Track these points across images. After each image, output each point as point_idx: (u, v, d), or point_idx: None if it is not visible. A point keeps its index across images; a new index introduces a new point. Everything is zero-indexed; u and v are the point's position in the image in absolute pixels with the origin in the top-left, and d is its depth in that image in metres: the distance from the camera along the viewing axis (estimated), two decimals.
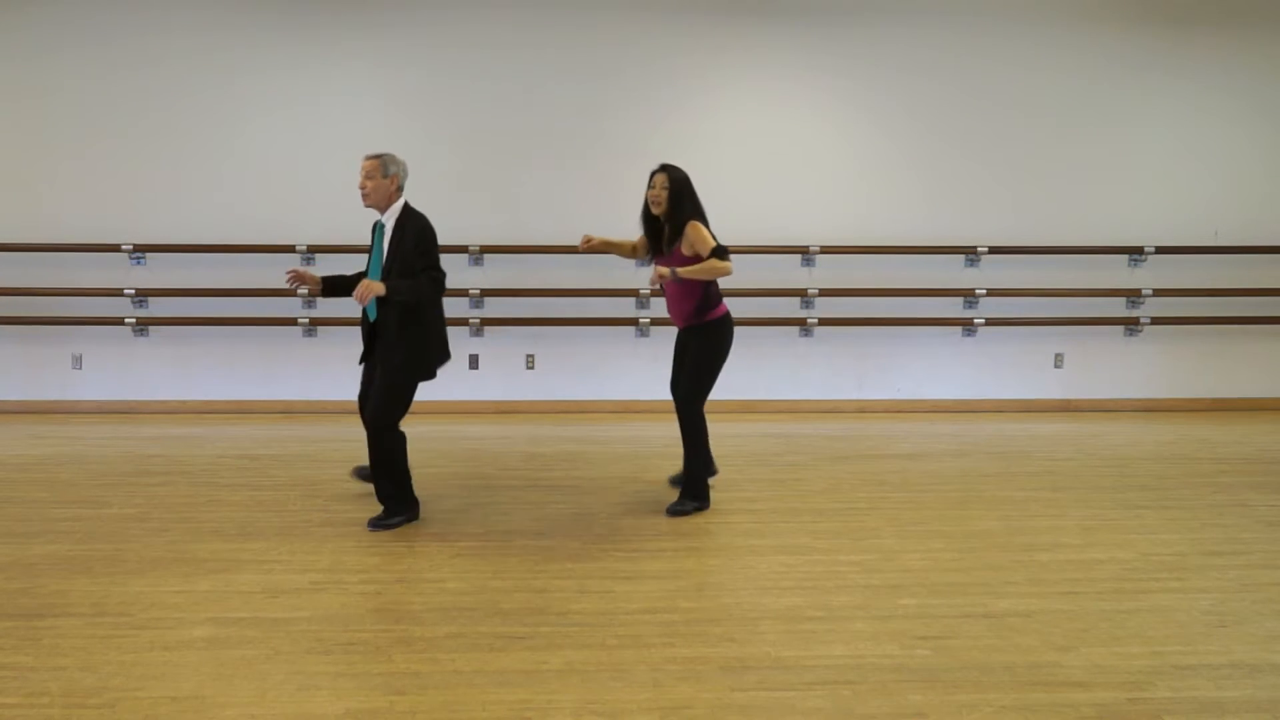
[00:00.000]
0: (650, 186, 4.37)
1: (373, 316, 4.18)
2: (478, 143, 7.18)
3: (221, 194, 7.10)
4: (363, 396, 4.34)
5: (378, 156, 4.15)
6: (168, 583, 3.52)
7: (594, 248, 4.55)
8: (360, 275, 4.37)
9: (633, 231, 4.37)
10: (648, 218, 4.47)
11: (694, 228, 4.27)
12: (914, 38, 7.31)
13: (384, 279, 4.07)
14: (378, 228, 4.21)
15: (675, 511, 4.45)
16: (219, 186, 7.10)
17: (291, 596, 3.40)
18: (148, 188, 7.07)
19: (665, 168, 4.37)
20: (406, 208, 4.20)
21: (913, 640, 3.06)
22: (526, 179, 7.23)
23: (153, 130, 7.05)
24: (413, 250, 4.09)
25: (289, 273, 4.27)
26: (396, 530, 4.19)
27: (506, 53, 7.14)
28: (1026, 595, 3.47)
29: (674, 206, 4.31)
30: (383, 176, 4.12)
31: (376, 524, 4.22)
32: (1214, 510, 4.63)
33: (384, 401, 4.15)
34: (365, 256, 4.52)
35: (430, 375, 4.24)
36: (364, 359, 4.33)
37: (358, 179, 4.17)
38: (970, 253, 7.37)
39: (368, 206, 4.18)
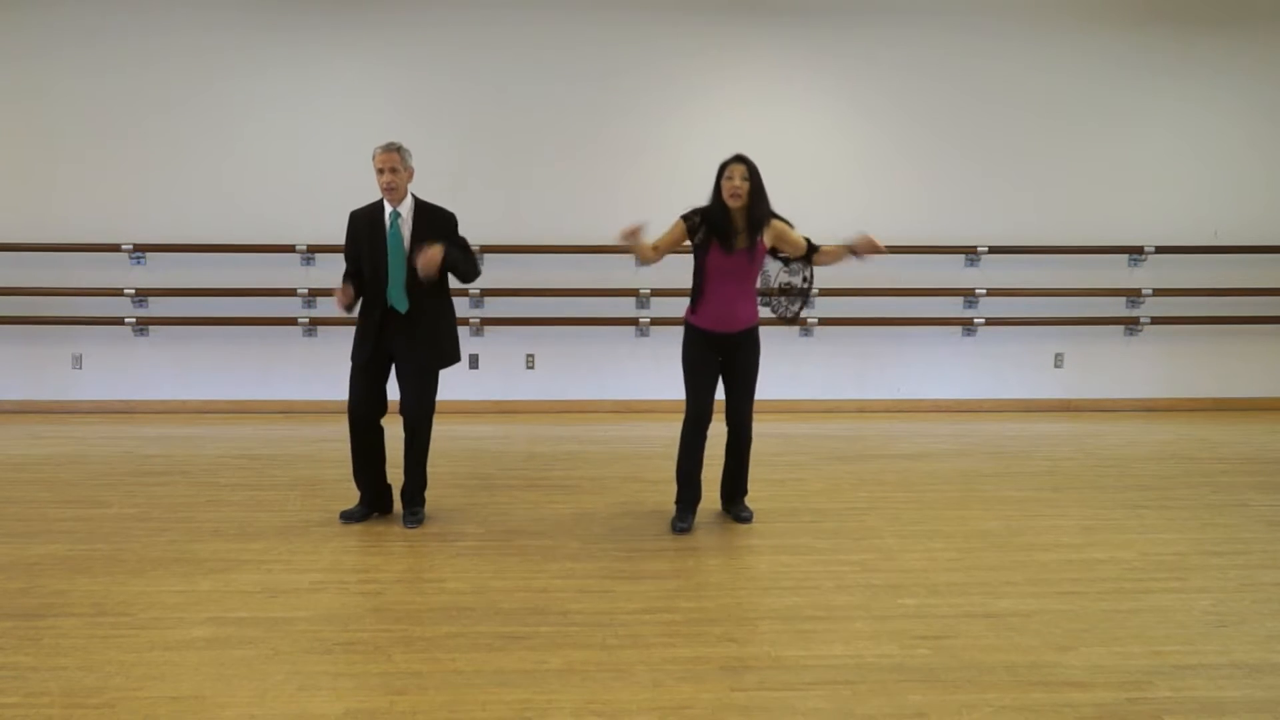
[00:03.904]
0: (729, 178, 3.99)
1: (403, 309, 4.11)
2: (477, 143, 7.18)
3: (221, 194, 7.11)
4: (363, 403, 4.20)
5: (396, 149, 4.08)
6: (168, 583, 3.52)
7: (637, 240, 4.03)
8: (356, 274, 4.22)
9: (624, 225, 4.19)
10: (718, 212, 4.05)
11: (784, 224, 4.12)
12: (914, 38, 7.31)
13: (413, 274, 4.08)
14: (393, 219, 4.11)
15: (749, 517, 4.39)
16: (219, 186, 7.11)
17: (291, 596, 3.40)
18: (148, 188, 7.07)
19: (743, 159, 4.02)
20: (418, 199, 4.19)
21: (912, 640, 3.06)
22: (526, 179, 7.23)
23: (153, 130, 7.05)
24: (460, 242, 4.19)
25: (343, 302, 4.15)
26: (397, 530, 4.19)
27: (506, 53, 7.14)
28: (1026, 595, 3.47)
29: (756, 198, 4.04)
30: (404, 168, 4.10)
31: (418, 519, 4.29)
32: (1214, 510, 4.63)
33: (429, 391, 4.21)
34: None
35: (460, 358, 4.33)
36: (367, 362, 4.17)
37: (378, 174, 4.06)
38: (970, 252, 7.37)
39: (393, 201, 4.10)
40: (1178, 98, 7.48)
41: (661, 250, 4.14)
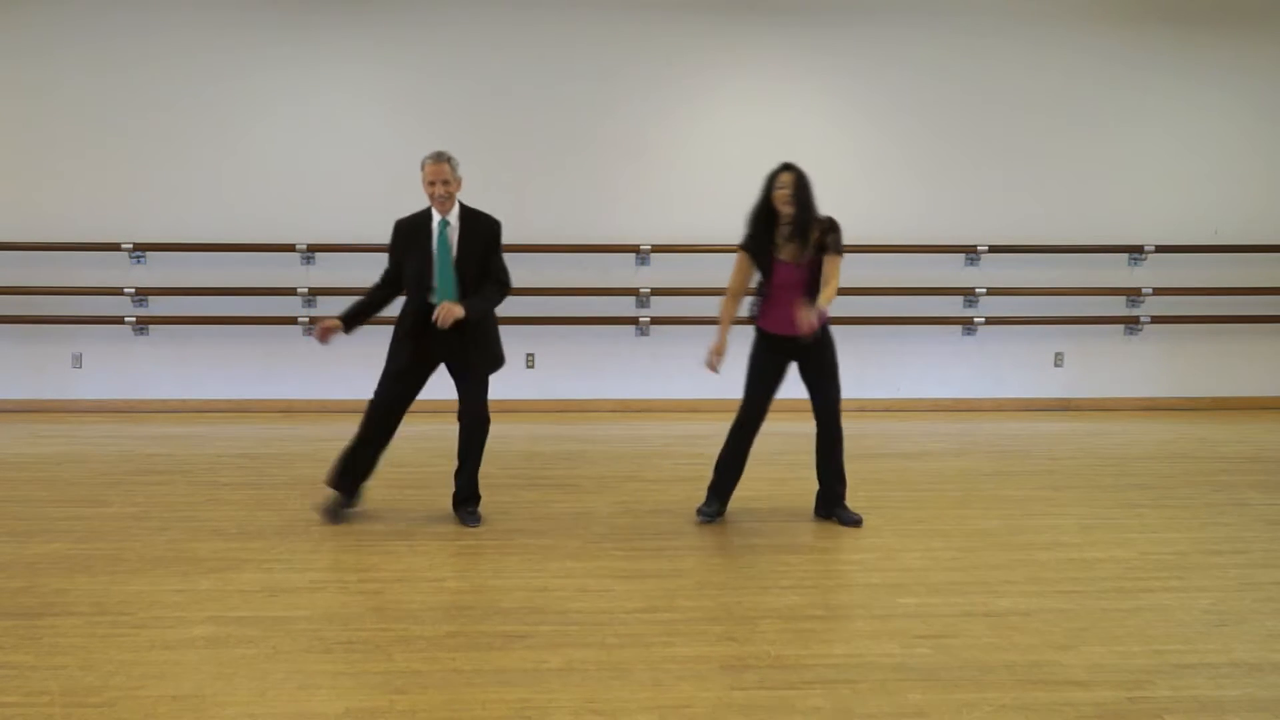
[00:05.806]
0: (779, 187, 4.05)
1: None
2: (478, 142, 7.16)
3: (221, 193, 7.11)
4: (395, 402, 4.21)
5: (446, 159, 4.08)
6: (168, 581, 3.52)
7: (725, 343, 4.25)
8: (373, 302, 4.29)
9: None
10: (765, 220, 4.10)
11: (835, 260, 4.04)
12: (914, 37, 7.31)
13: (460, 280, 4.10)
14: (441, 227, 4.11)
15: (857, 520, 4.32)
16: (219, 186, 7.11)
17: (291, 595, 3.40)
18: (148, 187, 7.07)
19: (790, 167, 4.08)
20: (466, 206, 4.19)
21: (912, 639, 3.06)
22: (526, 178, 7.23)
23: (153, 129, 7.05)
24: (498, 255, 4.20)
25: (319, 334, 4.22)
26: (397, 530, 4.19)
27: (506, 52, 7.14)
28: (1026, 594, 3.47)
29: (803, 207, 4.04)
30: (453, 179, 4.10)
31: (474, 516, 4.30)
32: (1214, 509, 4.63)
33: (484, 392, 4.24)
34: (374, 256, 4.42)
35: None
36: (408, 366, 4.18)
37: (429, 186, 4.05)
38: (970, 252, 7.37)
39: (443, 211, 4.10)
40: (1177, 97, 7.48)
41: (740, 292, 4.25)
